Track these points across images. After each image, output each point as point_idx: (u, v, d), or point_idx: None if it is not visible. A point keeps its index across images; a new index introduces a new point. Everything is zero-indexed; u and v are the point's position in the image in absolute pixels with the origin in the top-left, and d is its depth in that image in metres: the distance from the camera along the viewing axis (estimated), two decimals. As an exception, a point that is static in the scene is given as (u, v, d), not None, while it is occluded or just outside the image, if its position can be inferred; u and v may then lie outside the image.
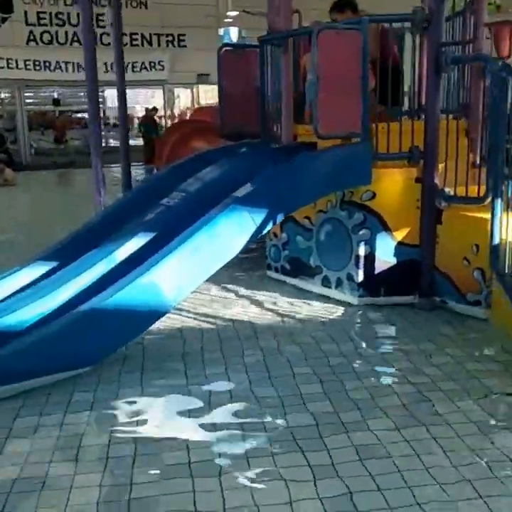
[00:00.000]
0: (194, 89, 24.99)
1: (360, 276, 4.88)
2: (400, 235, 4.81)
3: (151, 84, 22.13)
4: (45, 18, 20.62)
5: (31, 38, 20.48)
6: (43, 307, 4.04)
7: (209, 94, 25.40)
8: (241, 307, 5.02)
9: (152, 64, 21.35)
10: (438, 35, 4.48)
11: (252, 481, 2.65)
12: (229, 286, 5.56)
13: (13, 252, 6.99)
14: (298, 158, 4.50)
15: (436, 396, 3.37)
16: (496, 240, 4.14)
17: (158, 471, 2.76)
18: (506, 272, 4.13)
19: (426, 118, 4.63)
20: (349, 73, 4.50)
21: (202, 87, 24.65)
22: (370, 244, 4.82)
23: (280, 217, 4.37)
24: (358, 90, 4.53)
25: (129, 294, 3.73)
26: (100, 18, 20.77)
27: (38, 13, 20.48)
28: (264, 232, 4.28)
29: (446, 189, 4.59)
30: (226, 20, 20.76)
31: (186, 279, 3.97)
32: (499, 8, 11.75)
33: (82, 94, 26.64)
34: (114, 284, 3.89)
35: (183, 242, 3.96)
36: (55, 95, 24.90)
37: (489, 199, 4.24)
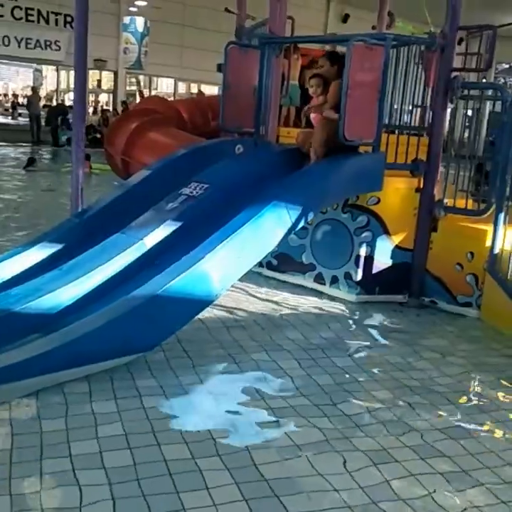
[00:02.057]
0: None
1: (359, 275, 5.22)
2: (397, 238, 5.23)
3: (46, 63, 21.02)
4: None
5: None
6: (78, 289, 3.92)
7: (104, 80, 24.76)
8: (245, 300, 5.14)
9: (48, 43, 20.26)
10: (450, 60, 4.95)
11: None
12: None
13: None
14: (327, 160, 4.73)
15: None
16: (497, 249, 4.68)
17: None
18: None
19: (431, 134, 5.08)
20: (371, 85, 4.80)
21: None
22: (371, 245, 5.18)
23: (310, 216, 4.56)
24: (376, 102, 4.86)
25: (185, 281, 3.72)
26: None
27: None
28: (297, 228, 4.45)
29: (445, 200, 5.07)
30: (131, 8, 20.35)
31: (232, 270, 4.03)
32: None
33: None
34: (160, 270, 3.86)
35: (230, 233, 4.01)
36: None
37: (489, 212, 4.77)
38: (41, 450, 2.74)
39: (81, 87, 5.78)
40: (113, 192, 5.11)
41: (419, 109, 5.61)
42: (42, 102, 22.69)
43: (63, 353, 3.34)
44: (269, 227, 4.20)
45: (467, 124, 5.71)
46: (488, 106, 5.69)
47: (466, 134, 5.58)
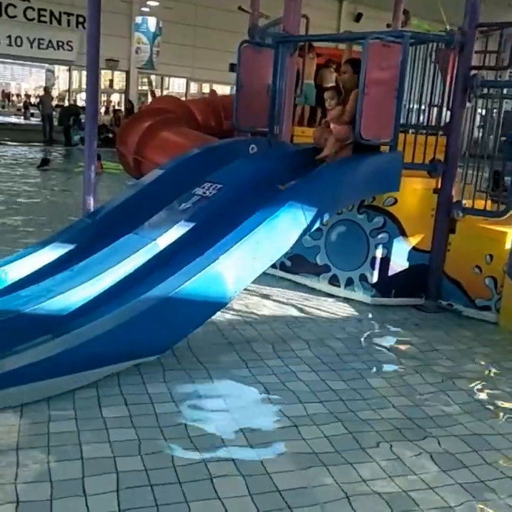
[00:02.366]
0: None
1: (375, 278, 5.11)
2: (414, 240, 5.12)
3: (58, 63, 21.08)
4: None
5: None
6: (89, 291, 3.85)
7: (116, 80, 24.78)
8: (257, 302, 5.05)
9: (60, 43, 20.28)
10: (469, 57, 4.84)
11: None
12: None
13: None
14: (343, 161, 4.64)
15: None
16: (517, 251, 4.58)
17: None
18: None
19: (449, 134, 4.97)
20: (388, 84, 4.70)
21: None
22: (387, 247, 5.07)
23: (326, 217, 4.47)
24: (393, 101, 4.75)
25: (199, 282, 3.65)
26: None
27: None
28: (312, 229, 4.36)
29: (464, 201, 4.96)
30: (143, 8, 20.34)
31: (246, 272, 3.95)
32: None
33: None
34: (173, 272, 3.78)
35: (244, 234, 3.93)
36: None
37: (509, 214, 4.66)
38: (48, 453, 2.68)
39: (93, 87, 5.73)
40: (125, 192, 5.05)
41: (435, 108, 5.51)
42: (54, 102, 22.78)
43: (74, 356, 3.28)
44: (284, 229, 4.12)
45: (481, 123, 5.61)
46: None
47: (481, 134, 5.49)
